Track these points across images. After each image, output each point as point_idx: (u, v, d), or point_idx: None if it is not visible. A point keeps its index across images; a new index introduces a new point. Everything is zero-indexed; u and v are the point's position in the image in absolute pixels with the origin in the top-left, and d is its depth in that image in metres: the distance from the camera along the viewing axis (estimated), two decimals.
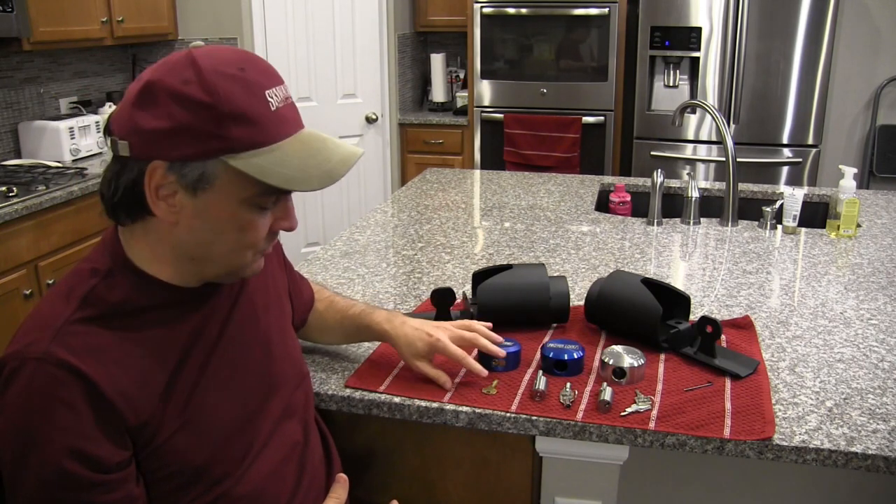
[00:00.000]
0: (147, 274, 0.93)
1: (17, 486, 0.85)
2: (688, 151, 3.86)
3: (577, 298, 1.61)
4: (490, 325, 1.31)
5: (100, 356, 0.87)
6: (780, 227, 2.19)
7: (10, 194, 2.54)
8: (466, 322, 1.31)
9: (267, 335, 1.08)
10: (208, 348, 0.98)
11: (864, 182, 4.13)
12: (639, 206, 2.52)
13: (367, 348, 1.40)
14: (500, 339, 1.28)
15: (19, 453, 0.84)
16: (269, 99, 0.88)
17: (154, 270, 0.93)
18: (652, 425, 1.14)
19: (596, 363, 1.32)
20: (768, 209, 2.18)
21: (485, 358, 1.31)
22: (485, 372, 1.23)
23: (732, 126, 3.73)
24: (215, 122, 0.84)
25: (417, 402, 1.21)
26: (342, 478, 1.14)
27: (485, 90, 4.20)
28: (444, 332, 1.24)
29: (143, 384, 0.89)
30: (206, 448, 0.95)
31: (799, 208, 2.16)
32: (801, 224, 2.18)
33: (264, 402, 1.04)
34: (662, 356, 1.35)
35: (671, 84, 3.84)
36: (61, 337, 0.86)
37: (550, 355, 1.28)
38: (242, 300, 1.05)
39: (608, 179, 2.80)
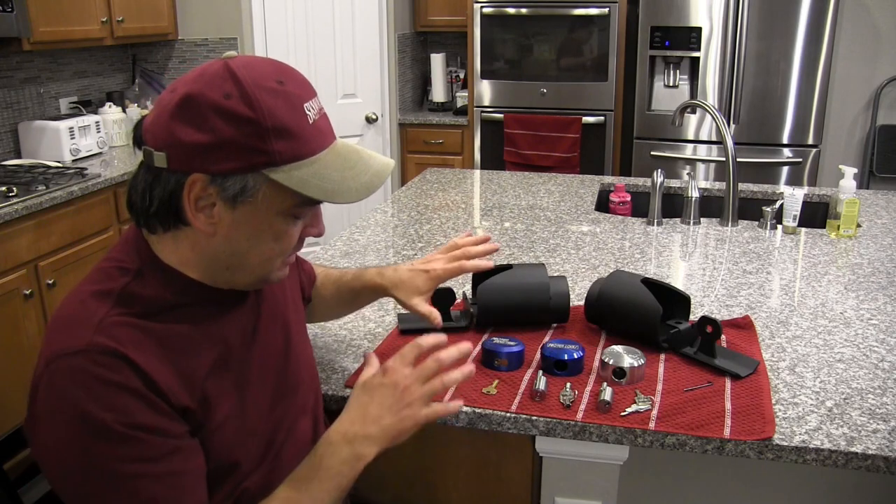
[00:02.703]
0: (178, 272, 0.93)
1: (78, 485, 0.84)
2: (688, 151, 3.86)
3: (577, 298, 1.61)
4: (485, 237, 1.35)
5: (141, 348, 0.86)
6: (780, 227, 2.19)
7: (10, 194, 2.54)
8: (450, 244, 1.35)
9: (288, 334, 1.10)
10: (241, 348, 0.99)
11: (864, 182, 4.13)
12: (639, 206, 2.52)
13: (367, 348, 1.40)
14: (492, 246, 1.32)
15: (79, 447, 0.82)
16: (307, 112, 0.89)
17: (183, 270, 0.94)
18: (652, 425, 1.14)
19: (596, 363, 1.32)
20: (768, 209, 2.18)
21: (487, 356, 1.31)
22: (487, 265, 1.30)
23: (732, 126, 3.73)
24: (258, 136, 0.85)
25: None
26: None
27: (485, 90, 4.20)
28: (437, 263, 1.30)
29: (182, 381, 0.90)
30: (234, 448, 0.96)
31: (799, 208, 2.16)
32: (801, 224, 2.18)
33: (284, 401, 1.06)
34: (662, 356, 1.35)
35: (671, 84, 3.84)
36: (103, 329, 0.85)
37: (550, 355, 1.28)
38: (268, 300, 1.07)
39: (608, 179, 2.80)
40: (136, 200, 0.91)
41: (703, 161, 3.85)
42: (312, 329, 1.45)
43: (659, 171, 2.30)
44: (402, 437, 0.98)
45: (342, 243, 2.05)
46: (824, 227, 2.22)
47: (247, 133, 0.85)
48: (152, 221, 0.91)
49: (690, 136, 3.85)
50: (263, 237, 0.92)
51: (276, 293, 1.09)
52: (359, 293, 1.34)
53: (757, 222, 2.25)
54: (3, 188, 2.56)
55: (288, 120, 0.86)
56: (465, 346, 1.00)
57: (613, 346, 1.30)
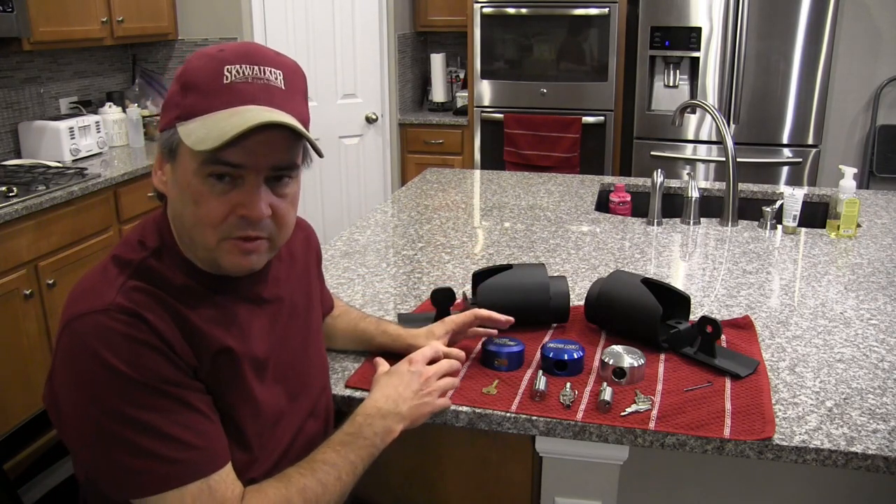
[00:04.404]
0: (186, 258, 0.96)
1: (99, 441, 0.86)
2: (688, 151, 3.86)
3: (577, 298, 1.61)
4: (493, 332, 1.36)
5: (156, 313, 0.89)
6: (780, 227, 2.19)
7: (10, 194, 2.54)
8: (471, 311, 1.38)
9: (306, 335, 1.12)
10: (258, 341, 1.01)
11: (864, 182, 4.13)
12: (639, 206, 2.52)
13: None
14: (509, 320, 1.34)
15: (102, 398, 0.85)
16: (226, 73, 0.90)
17: (186, 252, 0.96)
18: (652, 425, 1.14)
19: (596, 363, 1.32)
20: (768, 209, 2.18)
21: (487, 356, 1.31)
22: (503, 319, 1.32)
23: (732, 126, 3.73)
24: (179, 92, 0.91)
25: None
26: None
27: (485, 90, 4.20)
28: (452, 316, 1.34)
29: (192, 348, 0.92)
30: (247, 435, 0.98)
31: (799, 208, 2.16)
32: (801, 224, 2.18)
33: (299, 399, 1.08)
34: (662, 356, 1.35)
35: (671, 84, 3.84)
36: (123, 292, 0.89)
37: (550, 355, 1.28)
38: (288, 296, 1.09)
39: (608, 179, 2.80)
40: None
41: (703, 161, 3.85)
42: None
43: (659, 171, 2.30)
44: (420, 420, 1.12)
45: (342, 243, 2.05)
46: (824, 227, 2.21)
47: (174, 90, 0.92)
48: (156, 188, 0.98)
49: (690, 136, 3.85)
50: (186, 198, 0.92)
51: (296, 292, 1.11)
52: (377, 336, 1.34)
53: (757, 222, 2.25)
54: (3, 188, 2.56)
55: (200, 77, 0.90)
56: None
57: (613, 346, 1.30)
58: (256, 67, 0.91)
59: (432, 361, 1.18)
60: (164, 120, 0.93)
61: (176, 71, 0.97)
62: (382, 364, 1.21)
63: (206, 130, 0.87)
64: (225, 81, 0.89)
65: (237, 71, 0.89)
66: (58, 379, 0.89)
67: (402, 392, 1.10)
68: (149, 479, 0.86)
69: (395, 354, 1.26)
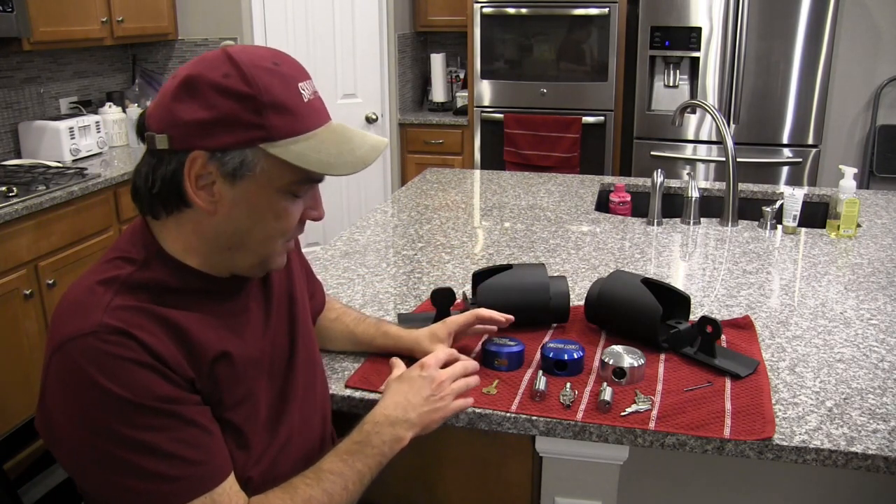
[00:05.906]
0: (181, 262, 0.95)
1: (100, 465, 0.85)
2: (688, 151, 3.86)
3: (577, 298, 1.61)
4: (494, 329, 1.37)
5: (146, 330, 0.88)
6: (780, 227, 2.19)
7: (10, 194, 2.54)
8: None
9: (294, 329, 1.11)
10: (252, 341, 1.00)
11: (864, 182, 4.13)
12: (639, 206, 2.52)
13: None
14: (510, 319, 1.34)
15: (98, 424, 0.84)
16: (302, 91, 0.92)
17: (186, 260, 0.95)
18: (652, 425, 1.14)
19: (596, 363, 1.32)
20: (768, 209, 2.18)
21: (487, 356, 1.31)
22: (503, 319, 1.33)
23: (732, 126, 3.73)
24: (255, 111, 0.87)
25: None
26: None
27: (485, 90, 4.20)
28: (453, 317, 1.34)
29: (188, 359, 0.91)
30: (243, 435, 0.97)
31: (799, 208, 2.16)
32: (801, 224, 2.18)
33: (294, 396, 1.07)
34: (662, 356, 1.35)
35: (671, 84, 3.84)
36: (110, 311, 0.87)
37: (550, 355, 1.28)
38: (276, 292, 1.08)
39: (608, 179, 2.80)
40: (140, 185, 0.93)
41: (703, 161, 3.85)
42: None
43: (659, 171, 2.30)
44: (432, 426, 1.10)
45: (342, 243, 2.05)
46: (824, 227, 2.22)
47: (244, 108, 0.87)
48: (155, 205, 0.92)
49: (690, 136, 3.85)
50: (264, 215, 0.93)
51: (282, 287, 1.11)
52: (377, 338, 1.34)
53: (757, 222, 2.25)
54: (3, 188, 2.56)
55: (283, 97, 0.89)
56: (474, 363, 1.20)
57: (613, 346, 1.30)
58: (310, 81, 0.95)
59: (446, 365, 1.16)
60: (224, 140, 0.87)
61: (220, 83, 0.87)
62: (398, 367, 1.21)
63: (325, 155, 0.90)
64: (305, 100, 0.91)
65: (305, 87, 0.92)
66: (51, 404, 0.87)
67: (412, 399, 1.09)
68: (152, 499, 0.86)
69: (397, 357, 1.26)
